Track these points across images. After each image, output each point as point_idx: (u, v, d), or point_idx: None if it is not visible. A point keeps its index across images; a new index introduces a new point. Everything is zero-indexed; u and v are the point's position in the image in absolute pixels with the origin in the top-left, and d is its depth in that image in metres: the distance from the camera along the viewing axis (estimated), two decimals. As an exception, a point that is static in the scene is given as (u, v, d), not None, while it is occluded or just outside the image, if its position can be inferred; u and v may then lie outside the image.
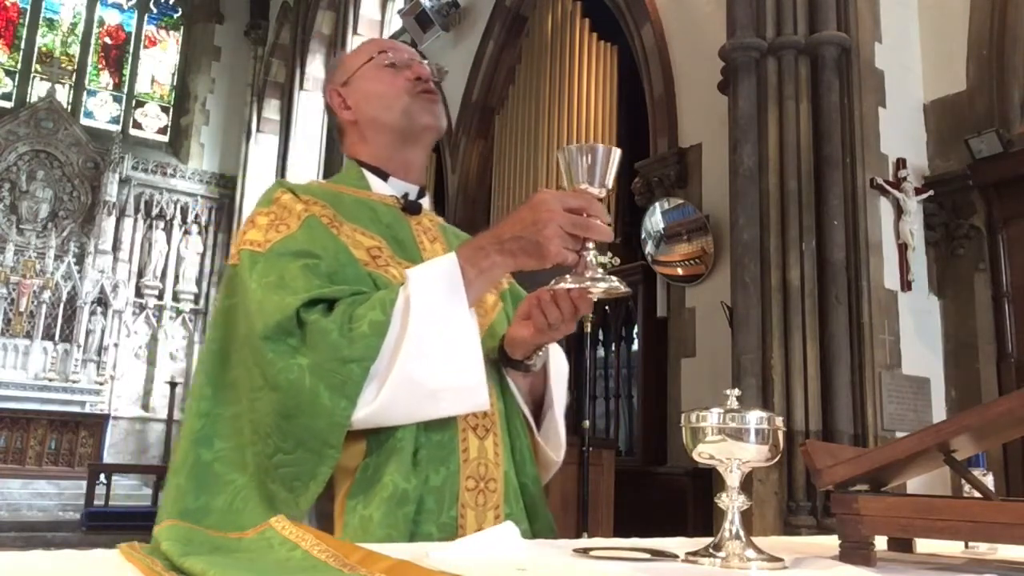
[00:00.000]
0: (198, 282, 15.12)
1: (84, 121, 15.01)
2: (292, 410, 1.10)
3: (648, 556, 0.93)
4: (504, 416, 1.29)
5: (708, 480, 4.73)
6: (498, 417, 1.27)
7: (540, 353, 1.29)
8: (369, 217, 1.32)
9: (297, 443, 1.10)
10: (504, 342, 1.30)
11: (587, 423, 4.40)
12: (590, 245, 1.10)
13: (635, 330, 6.38)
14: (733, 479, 0.93)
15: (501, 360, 1.30)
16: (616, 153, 1.09)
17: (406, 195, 1.39)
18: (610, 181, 1.10)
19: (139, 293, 14.50)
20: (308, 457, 1.10)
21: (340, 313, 1.13)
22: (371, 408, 1.10)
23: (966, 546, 1.16)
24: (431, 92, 1.39)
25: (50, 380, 12.93)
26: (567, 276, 1.11)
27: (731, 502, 0.92)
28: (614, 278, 1.11)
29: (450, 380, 1.12)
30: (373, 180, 1.39)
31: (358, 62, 1.43)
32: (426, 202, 1.44)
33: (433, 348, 1.11)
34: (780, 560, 0.90)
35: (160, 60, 16.20)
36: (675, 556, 0.93)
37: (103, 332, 13.66)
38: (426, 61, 1.44)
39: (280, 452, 1.11)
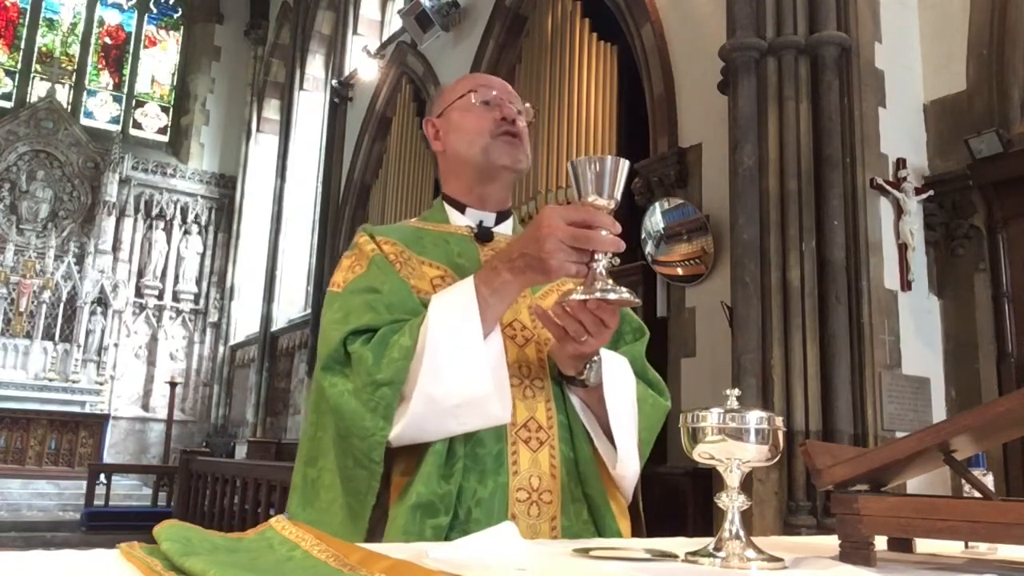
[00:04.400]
0: (198, 282, 15.13)
1: (84, 121, 15.02)
2: (344, 431, 1.22)
3: (648, 556, 0.93)
4: (566, 429, 1.31)
5: (708, 480, 4.72)
6: (556, 430, 1.30)
7: (591, 367, 1.30)
8: (441, 249, 1.41)
9: (355, 461, 1.22)
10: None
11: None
12: (599, 256, 1.11)
13: (635, 330, 6.37)
14: (733, 479, 0.93)
15: (560, 376, 1.33)
16: (624, 164, 1.11)
17: (481, 223, 1.46)
18: (619, 192, 1.12)
19: (139, 293, 14.51)
20: (363, 473, 1.21)
21: (376, 341, 1.22)
22: (400, 427, 1.19)
23: (966, 546, 1.16)
24: (512, 134, 1.44)
25: (50, 380, 12.93)
26: (577, 288, 1.13)
27: (731, 502, 0.92)
28: (624, 289, 1.12)
29: (462, 395, 1.17)
30: (452, 214, 1.48)
31: (453, 96, 1.50)
32: (507, 227, 1.50)
33: (446, 366, 1.17)
34: (780, 560, 0.90)
35: (160, 60, 16.21)
36: (675, 556, 0.93)
37: (103, 332, 13.67)
38: (524, 105, 1.51)
39: (345, 468, 1.23)
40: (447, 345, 1.17)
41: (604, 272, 1.11)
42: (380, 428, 1.18)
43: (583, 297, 1.12)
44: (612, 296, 1.11)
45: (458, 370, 1.16)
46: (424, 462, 1.20)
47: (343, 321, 1.26)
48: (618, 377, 1.34)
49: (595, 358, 1.30)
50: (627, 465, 1.32)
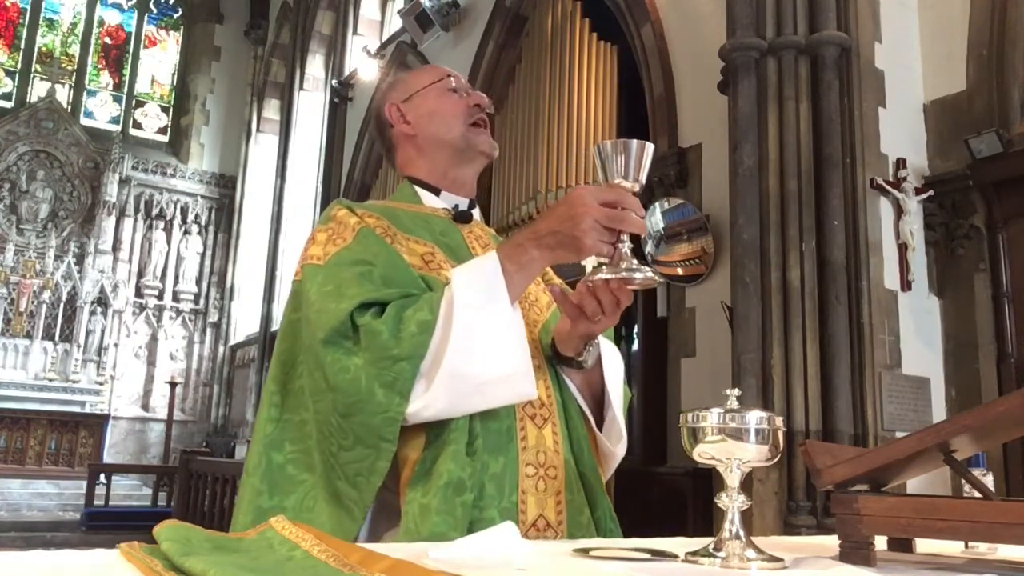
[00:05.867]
0: (198, 282, 15.12)
1: (84, 121, 15.02)
2: (349, 408, 1.16)
3: (648, 556, 0.93)
4: (561, 406, 1.33)
5: (708, 480, 4.73)
6: (556, 407, 1.32)
7: (590, 349, 1.33)
8: (422, 227, 1.39)
9: (356, 440, 1.16)
10: (554, 339, 1.35)
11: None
12: (624, 238, 1.13)
13: (635, 330, 6.38)
14: (733, 479, 0.93)
15: (553, 357, 1.35)
16: (649, 148, 1.13)
17: (456, 206, 1.47)
18: (644, 176, 1.13)
19: (139, 293, 14.50)
20: (367, 453, 1.16)
21: (390, 314, 1.18)
22: (421, 403, 1.16)
23: (966, 546, 1.16)
24: (484, 122, 1.49)
25: (50, 380, 12.92)
26: (603, 268, 1.14)
27: (731, 502, 0.92)
28: (648, 269, 1.14)
29: (493, 372, 1.17)
30: (425, 195, 1.47)
31: (422, 82, 1.51)
32: (476, 214, 1.51)
33: (476, 342, 1.16)
34: (780, 560, 0.90)
35: (160, 60, 16.20)
36: (675, 556, 0.93)
37: (103, 332, 13.66)
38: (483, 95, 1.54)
39: (342, 450, 1.18)
40: (476, 322, 1.16)
41: (628, 253, 1.13)
42: (396, 404, 1.15)
43: (610, 276, 1.13)
44: (638, 276, 1.12)
45: (489, 348, 1.16)
46: (449, 440, 1.19)
47: (337, 293, 1.21)
48: (614, 362, 1.39)
49: (594, 341, 1.33)
50: (623, 444, 1.38)
